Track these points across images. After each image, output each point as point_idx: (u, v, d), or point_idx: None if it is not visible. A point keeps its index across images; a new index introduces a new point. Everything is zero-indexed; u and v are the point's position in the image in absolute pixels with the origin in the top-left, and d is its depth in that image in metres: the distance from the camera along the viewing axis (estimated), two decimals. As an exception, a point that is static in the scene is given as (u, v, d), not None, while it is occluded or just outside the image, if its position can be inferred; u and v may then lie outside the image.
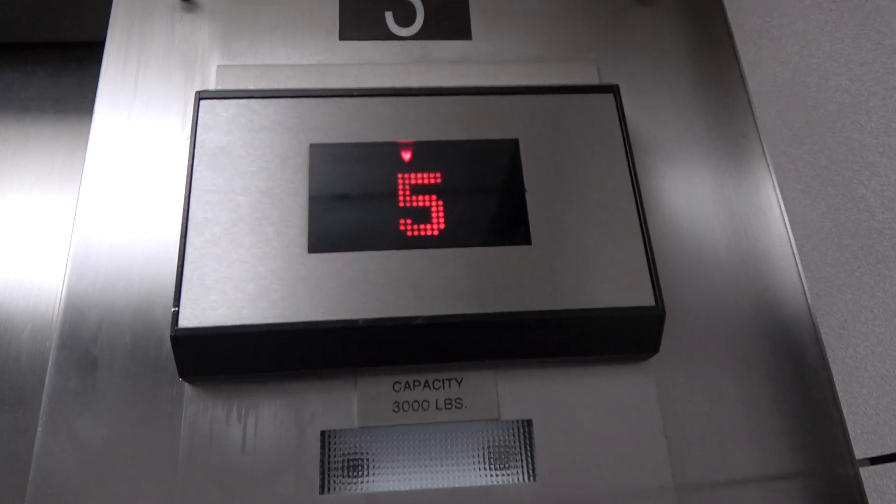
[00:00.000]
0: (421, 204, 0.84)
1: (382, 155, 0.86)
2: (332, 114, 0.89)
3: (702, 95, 1.02)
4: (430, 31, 1.03)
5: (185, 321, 0.76)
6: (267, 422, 0.78)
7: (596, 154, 0.89)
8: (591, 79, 0.99)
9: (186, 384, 0.79)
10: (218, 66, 0.96)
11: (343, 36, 1.02)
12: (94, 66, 1.03)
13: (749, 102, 1.02)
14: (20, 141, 1.22)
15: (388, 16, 1.03)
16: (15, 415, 1.03)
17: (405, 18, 1.03)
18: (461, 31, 1.03)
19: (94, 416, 0.78)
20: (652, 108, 1.00)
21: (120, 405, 0.78)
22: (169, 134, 0.93)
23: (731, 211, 0.95)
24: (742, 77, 1.03)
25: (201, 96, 0.87)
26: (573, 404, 0.81)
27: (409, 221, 0.83)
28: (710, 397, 0.84)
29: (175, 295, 0.77)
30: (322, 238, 0.81)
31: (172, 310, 0.76)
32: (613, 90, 0.93)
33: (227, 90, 0.89)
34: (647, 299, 0.81)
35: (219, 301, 0.77)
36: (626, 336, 0.81)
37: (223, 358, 0.78)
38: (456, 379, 0.81)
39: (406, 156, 0.87)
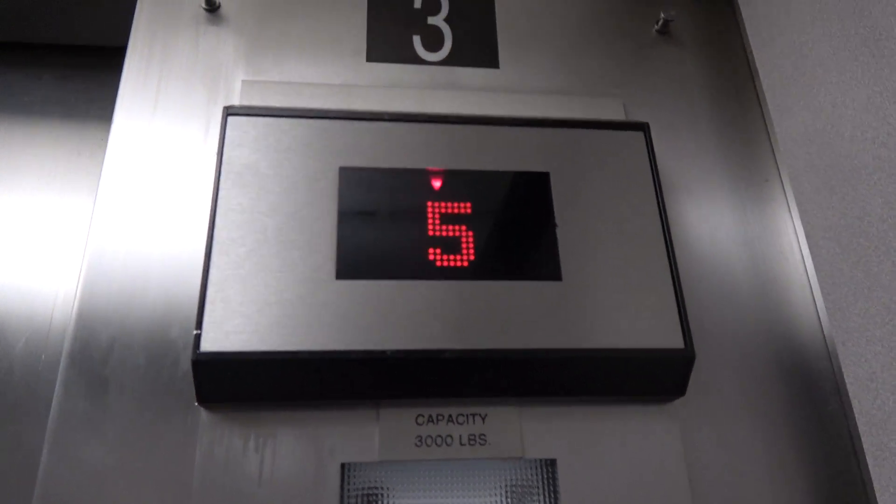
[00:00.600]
0: (450, 233, 0.82)
1: (412, 182, 0.85)
2: (361, 137, 0.87)
3: (725, 135, 1.03)
4: (457, 58, 1.02)
5: (207, 345, 0.73)
6: (285, 452, 0.75)
7: (625, 191, 0.88)
8: (618, 114, 0.99)
9: (203, 410, 0.76)
10: (242, 81, 0.94)
11: (370, 57, 1.00)
12: (104, 71, 1.00)
13: (772, 146, 1.02)
14: (23, 143, 1.18)
15: (416, 40, 1.02)
16: (6, 431, 0.98)
17: (433, 44, 1.03)
18: (489, 59, 1.03)
19: (104, 441, 0.74)
20: (675, 146, 1.01)
21: (131, 430, 0.75)
22: (190, 146, 0.90)
23: (754, 254, 0.95)
24: (765, 120, 1.04)
25: (230, 112, 0.85)
26: (598, 445, 0.80)
27: (438, 251, 0.81)
28: (731, 441, 0.84)
29: (197, 317, 0.74)
30: (350, 264, 0.79)
31: (195, 332, 0.73)
32: (644, 128, 0.93)
33: (257, 107, 0.87)
34: (676, 341, 0.80)
35: (242, 325, 0.74)
36: (654, 378, 0.80)
37: (244, 384, 0.75)
38: (480, 414, 0.79)
39: (436, 184, 0.85)
